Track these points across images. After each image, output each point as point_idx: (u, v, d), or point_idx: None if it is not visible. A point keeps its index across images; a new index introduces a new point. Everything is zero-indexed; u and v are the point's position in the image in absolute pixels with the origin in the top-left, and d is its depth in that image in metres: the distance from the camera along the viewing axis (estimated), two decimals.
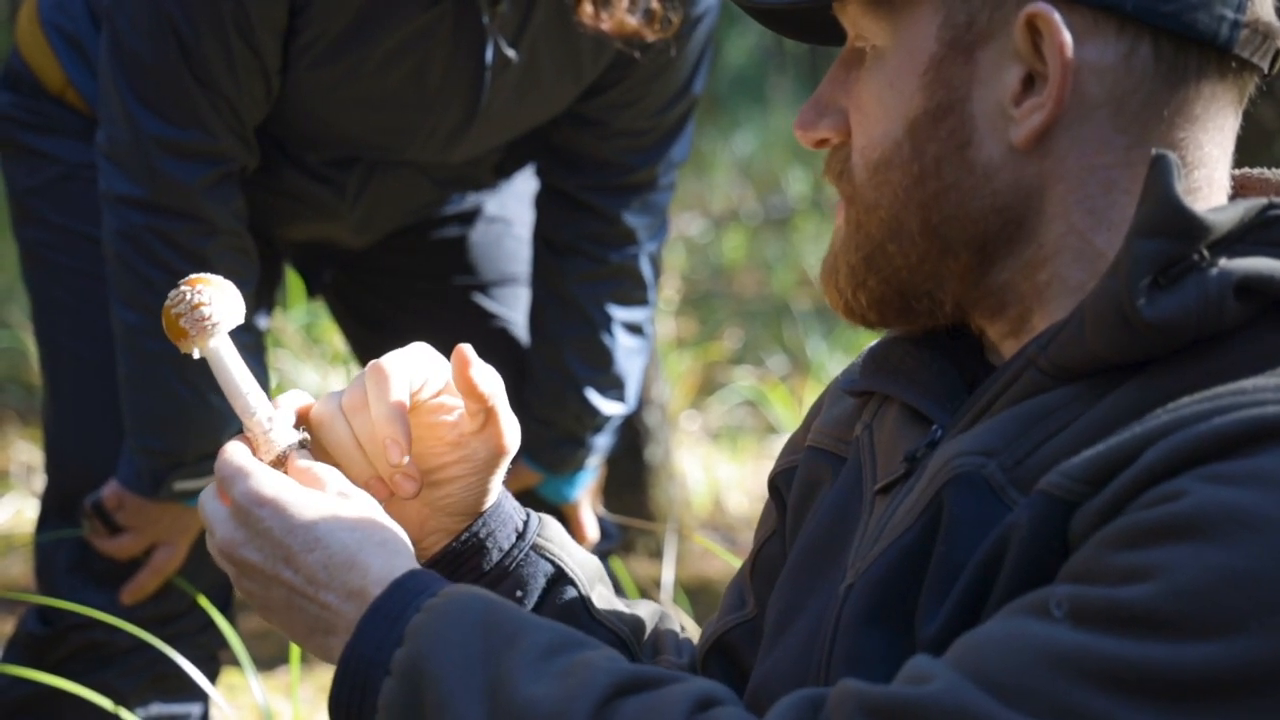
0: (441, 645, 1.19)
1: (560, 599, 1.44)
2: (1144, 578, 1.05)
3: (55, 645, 2.44)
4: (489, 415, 1.38)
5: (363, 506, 1.30)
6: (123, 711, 2.30)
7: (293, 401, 1.39)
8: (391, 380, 1.34)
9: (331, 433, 1.37)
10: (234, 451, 1.33)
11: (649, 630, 1.49)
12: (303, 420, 1.39)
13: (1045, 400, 1.19)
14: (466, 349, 1.35)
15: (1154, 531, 1.06)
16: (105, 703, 2.28)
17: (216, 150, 2.23)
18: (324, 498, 1.29)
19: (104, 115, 2.25)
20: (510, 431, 1.40)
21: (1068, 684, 1.04)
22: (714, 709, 1.14)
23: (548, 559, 1.44)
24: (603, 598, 1.46)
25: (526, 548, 1.43)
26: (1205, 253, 1.15)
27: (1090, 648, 1.04)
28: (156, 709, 2.46)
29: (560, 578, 1.44)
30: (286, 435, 1.35)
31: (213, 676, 2.51)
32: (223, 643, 2.49)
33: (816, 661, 1.26)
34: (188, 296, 1.35)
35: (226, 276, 2.21)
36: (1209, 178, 1.23)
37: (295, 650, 2.36)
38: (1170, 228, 1.14)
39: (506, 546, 1.43)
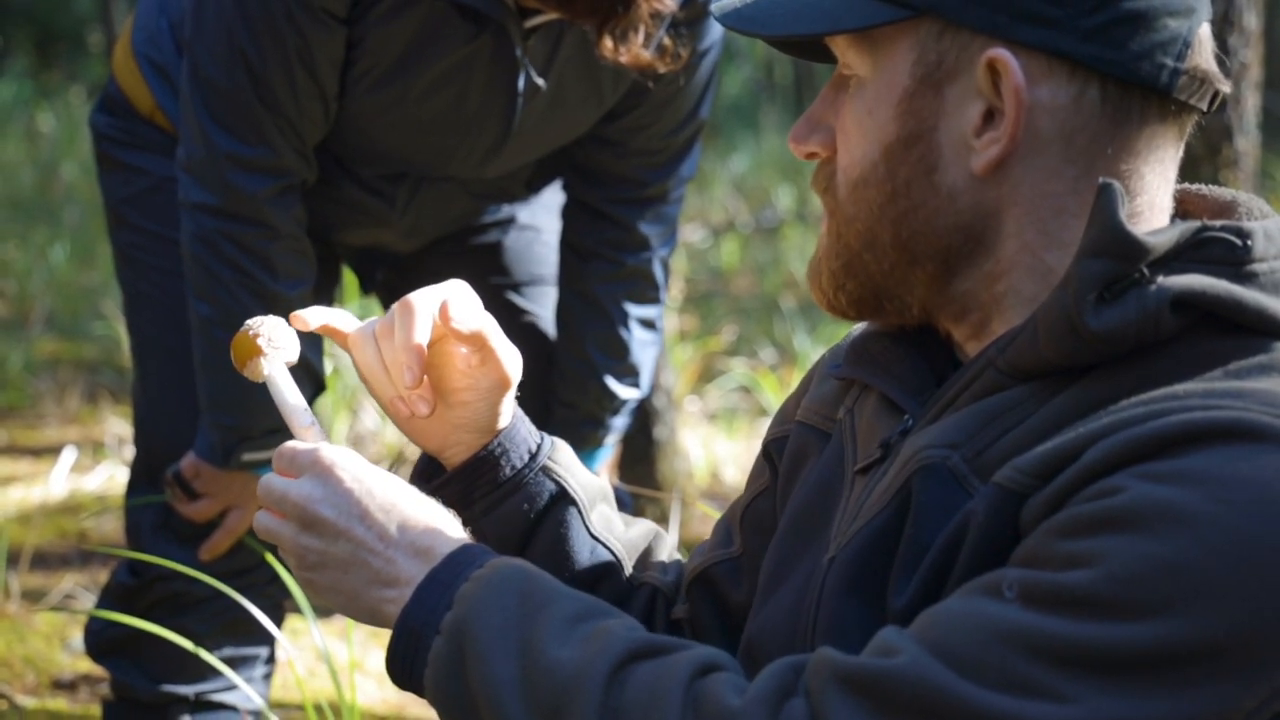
0: (484, 610, 1.18)
1: (562, 515, 1.44)
2: (1084, 564, 1.04)
3: (142, 594, 2.44)
4: (485, 351, 1.39)
5: (417, 493, 1.30)
6: (200, 651, 2.29)
7: (336, 318, 1.41)
8: (416, 314, 1.35)
9: (362, 354, 1.39)
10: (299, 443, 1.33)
11: (643, 548, 1.49)
12: (341, 340, 1.41)
13: (1003, 398, 1.18)
14: (449, 301, 1.35)
15: (1094, 523, 1.05)
16: (185, 643, 2.28)
17: (280, 165, 2.22)
18: (393, 477, 1.29)
19: (183, 134, 2.24)
20: (509, 362, 1.40)
21: (1016, 658, 1.03)
22: (713, 674, 1.13)
23: (553, 479, 1.44)
24: (603, 516, 1.47)
25: (537, 468, 1.44)
26: (1145, 271, 1.13)
27: (1037, 626, 1.04)
28: (229, 650, 2.46)
29: (563, 496, 1.44)
30: None
31: (278, 622, 2.51)
32: (287, 593, 2.49)
33: (804, 625, 1.25)
34: (261, 328, 1.39)
35: (286, 274, 2.24)
36: (1150, 203, 1.21)
37: None
38: (1114, 249, 1.12)
39: (519, 465, 1.43)
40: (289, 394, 1.37)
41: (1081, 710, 1.01)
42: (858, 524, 1.22)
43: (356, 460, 1.29)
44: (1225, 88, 1.22)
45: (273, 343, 1.38)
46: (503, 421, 1.43)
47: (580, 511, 1.44)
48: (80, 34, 18.40)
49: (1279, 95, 8.84)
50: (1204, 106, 1.21)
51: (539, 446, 1.45)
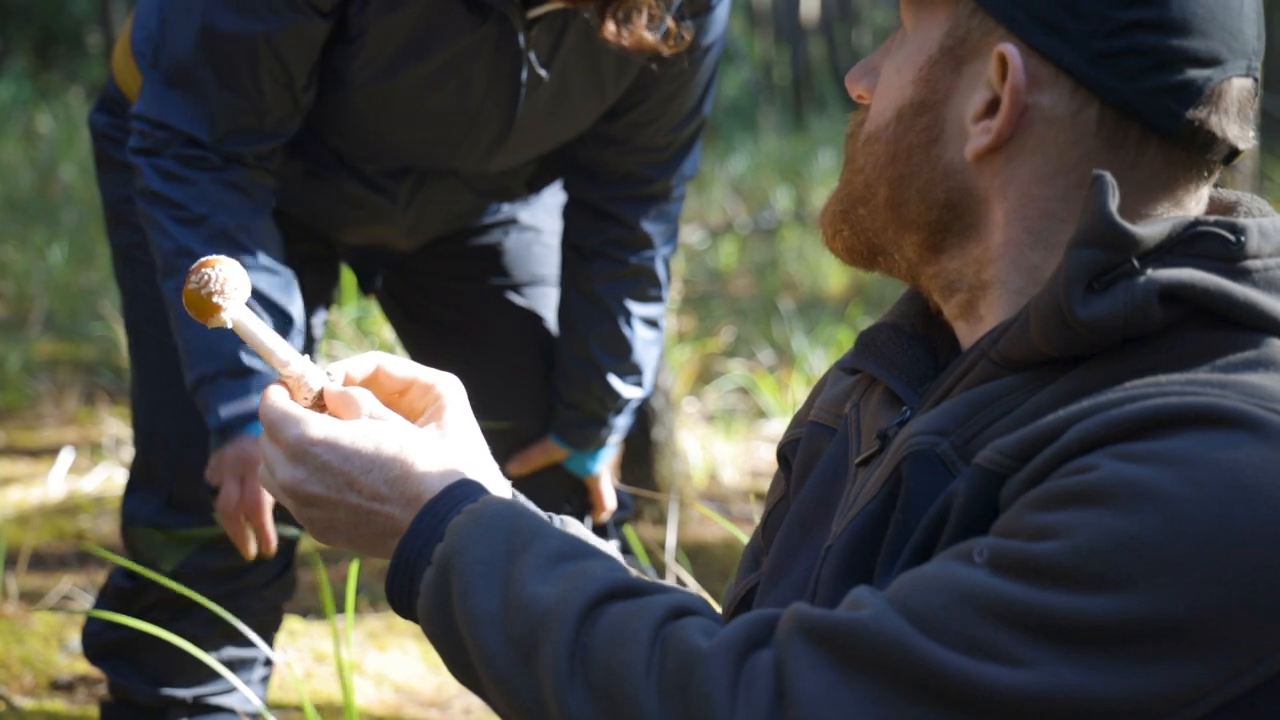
0: (471, 543, 1.19)
1: None
2: (1053, 536, 1.04)
3: (140, 596, 2.42)
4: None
5: (399, 427, 1.30)
6: (198, 653, 2.28)
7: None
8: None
9: None
10: (276, 397, 1.32)
11: None
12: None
13: (994, 387, 1.18)
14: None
15: (1066, 497, 1.05)
16: (183, 645, 2.27)
17: (231, 153, 2.16)
18: (365, 426, 1.29)
19: (142, 93, 2.19)
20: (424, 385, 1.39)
21: (978, 620, 1.04)
22: (685, 618, 1.13)
23: None
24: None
25: None
26: (1136, 262, 1.13)
27: (1001, 591, 1.04)
28: (228, 652, 2.45)
29: None
30: (319, 377, 1.34)
31: (277, 624, 2.50)
32: (285, 595, 2.48)
33: None
34: (210, 276, 1.33)
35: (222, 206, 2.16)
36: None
37: (349, 600, 2.34)
38: (1104, 239, 1.12)
39: None
40: (260, 333, 1.34)
41: (1036, 675, 1.02)
42: (852, 512, 1.23)
43: (327, 426, 1.28)
44: (1244, 146, 1.20)
45: (224, 292, 1.33)
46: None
47: None
48: (79, 35, 18.40)
49: (1278, 97, 8.83)
50: (1213, 158, 1.19)
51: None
